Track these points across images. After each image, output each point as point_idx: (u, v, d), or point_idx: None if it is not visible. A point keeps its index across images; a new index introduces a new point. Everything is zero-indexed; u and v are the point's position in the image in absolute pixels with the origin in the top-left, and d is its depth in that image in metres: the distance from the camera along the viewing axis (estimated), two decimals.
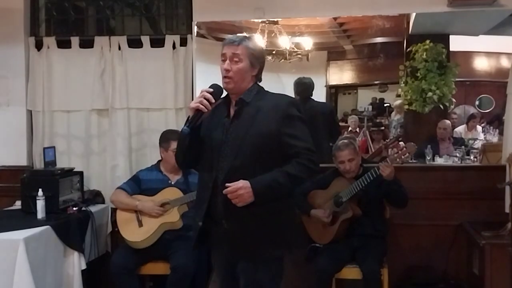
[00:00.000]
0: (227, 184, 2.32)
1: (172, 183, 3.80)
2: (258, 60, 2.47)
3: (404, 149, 3.49)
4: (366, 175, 3.50)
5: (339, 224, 3.58)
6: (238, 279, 2.46)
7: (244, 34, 2.52)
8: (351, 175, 3.62)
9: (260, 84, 2.53)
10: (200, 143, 2.46)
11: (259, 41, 8.16)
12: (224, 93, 2.48)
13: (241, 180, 2.31)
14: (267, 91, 2.52)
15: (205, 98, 2.36)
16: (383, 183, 3.49)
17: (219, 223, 2.41)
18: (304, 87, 5.20)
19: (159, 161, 3.91)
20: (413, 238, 4.01)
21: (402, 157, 3.47)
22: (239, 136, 2.39)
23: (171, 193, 3.72)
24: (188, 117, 2.43)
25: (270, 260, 2.43)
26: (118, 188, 3.82)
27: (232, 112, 2.48)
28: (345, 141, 3.69)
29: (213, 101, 2.38)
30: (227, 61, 2.41)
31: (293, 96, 5.20)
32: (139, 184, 3.82)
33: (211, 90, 2.40)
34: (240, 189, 2.30)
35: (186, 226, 3.60)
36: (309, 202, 3.73)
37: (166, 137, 3.82)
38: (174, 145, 3.71)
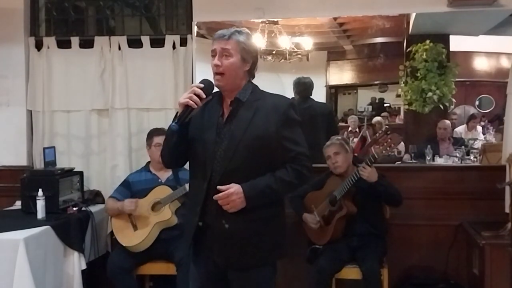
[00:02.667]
0: (219, 187, 2.24)
1: (162, 181, 3.78)
2: (250, 55, 2.34)
3: (389, 140, 3.48)
4: (353, 172, 3.51)
5: (335, 223, 3.58)
6: (226, 284, 2.37)
7: (235, 28, 2.36)
8: (339, 170, 3.62)
9: (260, 84, 2.44)
10: (190, 142, 2.36)
11: (258, 38, 8.22)
12: (215, 89, 2.37)
13: (233, 184, 2.24)
14: (262, 90, 2.42)
15: (195, 94, 2.26)
16: (371, 184, 3.48)
17: (213, 225, 2.31)
18: (303, 87, 5.18)
19: (148, 162, 3.92)
20: (413, 238, 4.00)
21: (388, 149, 3.46)
22: (235, 137, 2.29)
23: (161, 192, 3.70)
24: (177, 113, 2.34)
25: (263, 265, 2.36)
26: (110, 197, 3.82)
27: (226, 111, 2.36)
28: (333, 139, 3.74)
29: (204, 96, 2.28)
30: (217, 57, 2.30)
31: (293, 95, 5.21)
32: (130, 188, 3.80)
33: (202, 85, 2.29)
34: (231, 194, 2.22)
35: (181, 224, 3.55)
36: (307, 203, 3.73)
37: (149, 134, 3.86)
38: (156, 139, 3.74)
